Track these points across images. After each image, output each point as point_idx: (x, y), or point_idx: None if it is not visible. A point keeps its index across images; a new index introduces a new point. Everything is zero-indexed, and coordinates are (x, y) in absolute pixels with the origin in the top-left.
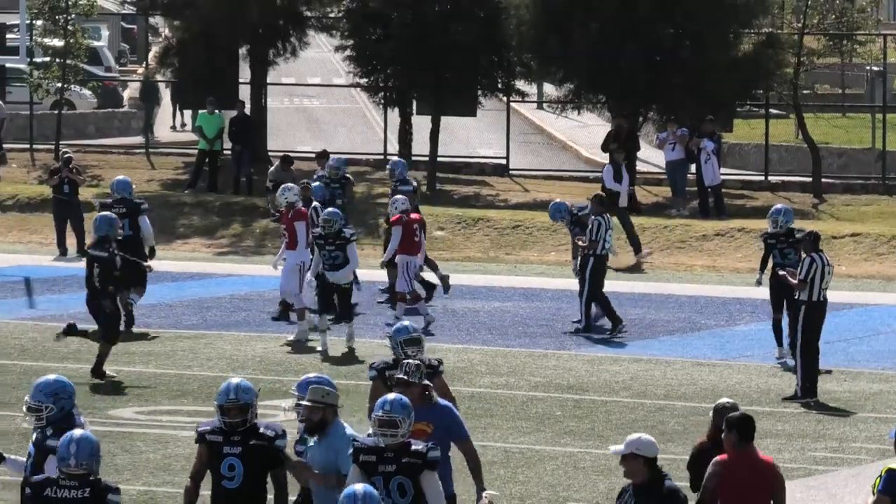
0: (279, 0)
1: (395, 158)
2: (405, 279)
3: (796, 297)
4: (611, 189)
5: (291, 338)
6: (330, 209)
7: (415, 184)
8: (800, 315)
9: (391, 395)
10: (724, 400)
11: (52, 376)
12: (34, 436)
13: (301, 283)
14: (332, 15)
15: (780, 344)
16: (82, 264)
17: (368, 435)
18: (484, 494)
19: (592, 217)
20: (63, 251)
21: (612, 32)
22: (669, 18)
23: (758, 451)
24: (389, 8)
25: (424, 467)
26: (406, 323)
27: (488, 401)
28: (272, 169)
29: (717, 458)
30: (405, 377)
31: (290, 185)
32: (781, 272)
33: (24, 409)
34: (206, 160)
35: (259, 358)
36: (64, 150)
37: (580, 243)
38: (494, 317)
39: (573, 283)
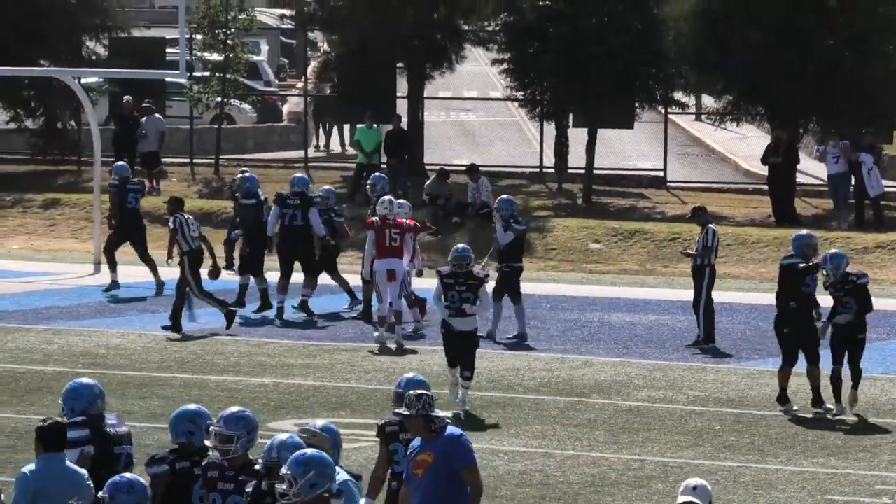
0: (436, 14)
1: (377, 174)
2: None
3: None
4: None
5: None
6: (462, 245)
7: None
8: None
9: (299, 451)
10: None
11: (80, 379)
12: None
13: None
14: (488, 28)
15: (838, 400)
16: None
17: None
18: None
19: (708, 226)
20: (229, 264)
21: (772, 43)
22: (830, 29)
23: None
24: (546, 21)
25: None
26: (408, 375)
27: (646, 415)
28: (429, 182)
29: None
30: (404, 410)
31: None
32: None
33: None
34: (364, 174)
35: (416, 370)
36: (244, 168)
37: (690, 252)
38: (652, 330)
39: (734, 297)
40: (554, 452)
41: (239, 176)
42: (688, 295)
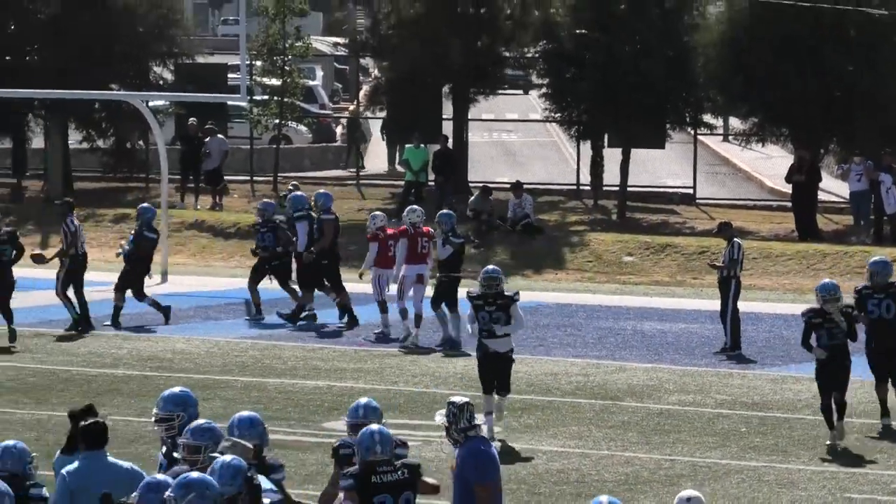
0: (480, 42)
1: (321, 191)
2: (377, 289)
3: None
4: None
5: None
6: (491, 266)
7: (335, 214)
8: None
9: (183, 474)
10: None
11: (176, 388)
12: (163, 447)
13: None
14: (528, 55)
15: (831, 427)
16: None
17: None
18: None
19: (734, 240)
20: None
21: (782, 52)
22: (847, 52)
23: None
24: (583, 49)
25: None
26: (362, 401)
27: (676, 417)
28: (473, 198)
29: None
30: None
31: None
32: None
33: (154, 420)
34: (412, 191)
35: (460, 374)
36: (293, 182)
37: (717, 264)
38: (681, 338)
39: (759, 307)
40: (590, 452)
41: (289, 192)
42: (715, 305)
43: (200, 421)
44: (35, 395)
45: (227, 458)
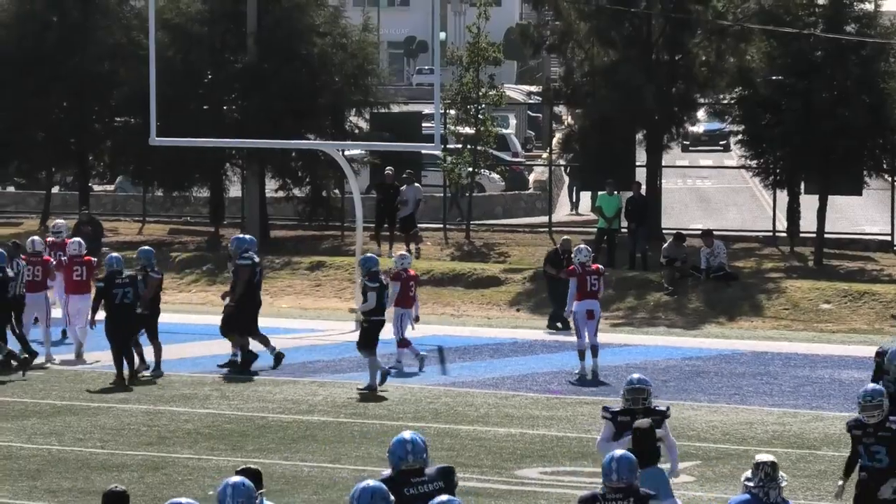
0: (675, 89)
1: (238, 235)
2: (398, 328)
3: None
4: None
5: None
6: (637, 375)
7: (256, 258)
8: None
9: None
10: None
11: (407, 433)
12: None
13: None
14: (724, 101)
15: None
16: (496, 333)
17: None
18: None
19: None
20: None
21: None
22: None
23: None
24: (780, 95)
25: None
26: (407, 435)
27: None
28: (666, 245)
29: None
30: None
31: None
32: None
33: None
34: (605, 238)
35: None
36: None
37: None
38: None
39: None
40: None
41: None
42: None
43: (182, 500)
44: (231, 442)
45: None
